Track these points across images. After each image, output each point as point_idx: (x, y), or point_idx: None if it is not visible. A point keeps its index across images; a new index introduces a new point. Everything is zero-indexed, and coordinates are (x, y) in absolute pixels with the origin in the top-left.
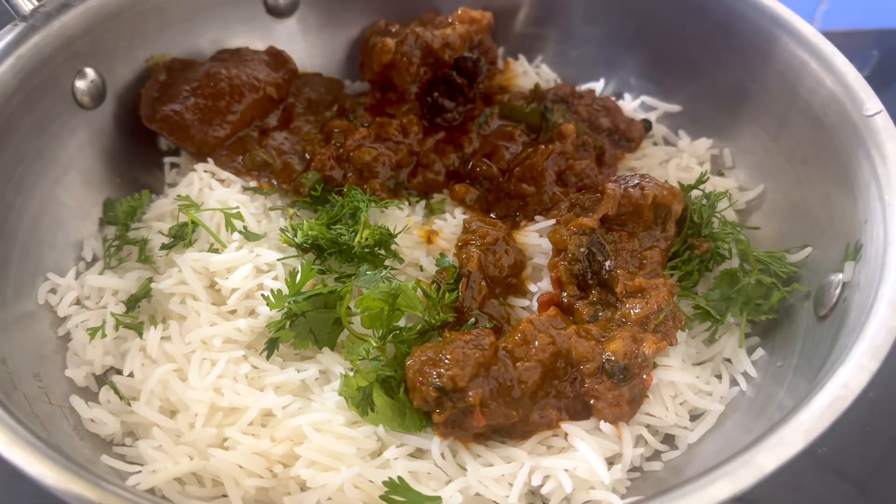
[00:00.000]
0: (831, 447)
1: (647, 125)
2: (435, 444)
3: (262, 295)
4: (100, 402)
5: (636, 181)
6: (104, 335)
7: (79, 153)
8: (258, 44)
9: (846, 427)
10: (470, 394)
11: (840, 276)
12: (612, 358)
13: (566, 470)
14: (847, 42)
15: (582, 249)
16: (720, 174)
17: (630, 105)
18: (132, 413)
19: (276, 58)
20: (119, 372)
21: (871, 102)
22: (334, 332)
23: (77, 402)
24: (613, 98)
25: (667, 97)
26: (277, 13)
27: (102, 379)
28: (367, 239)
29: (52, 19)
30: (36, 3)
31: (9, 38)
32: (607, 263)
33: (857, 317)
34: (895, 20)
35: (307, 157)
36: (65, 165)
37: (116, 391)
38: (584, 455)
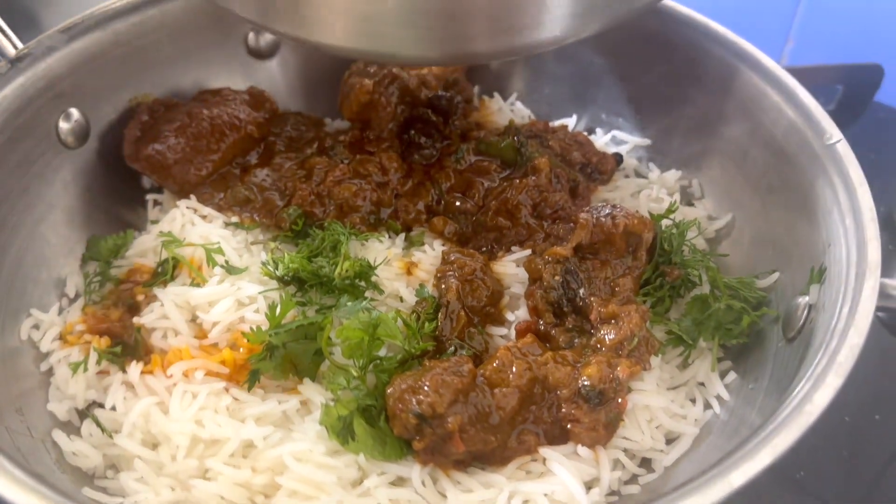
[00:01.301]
0: (810, 472)
1: (618, 158)
2: (415, 471)
3: (242, 332)
4: (82, 435)
5: (608, 211)
6: (86, 369)
7: (63, 191)
8: (239, 84)
9: (824, 452)
10: (449, 420)
11: (806, 298)
12: (588, 383)
13: (545, 494)
14: (812, 77)
15: (556, 278)
16: (690, 204)
17: (601, 139)
18: (114, 446)
19: (257, 98)
20: (101, 405)
21: (831, 130)
22: (315, 362)
23: (59, 435)
24: (585, 133)
25: (637, 131)
26: (259, 55)
27: (84, 413)
28: (347, 271)
29: (37, 61)
30: (21, 46)
31: None
32: (581, 291)
33: (821, 337)
34: (859, 56)
35: (288, 193)
36: (49, 203)
37: (98, 424)
38: (562, 479)
